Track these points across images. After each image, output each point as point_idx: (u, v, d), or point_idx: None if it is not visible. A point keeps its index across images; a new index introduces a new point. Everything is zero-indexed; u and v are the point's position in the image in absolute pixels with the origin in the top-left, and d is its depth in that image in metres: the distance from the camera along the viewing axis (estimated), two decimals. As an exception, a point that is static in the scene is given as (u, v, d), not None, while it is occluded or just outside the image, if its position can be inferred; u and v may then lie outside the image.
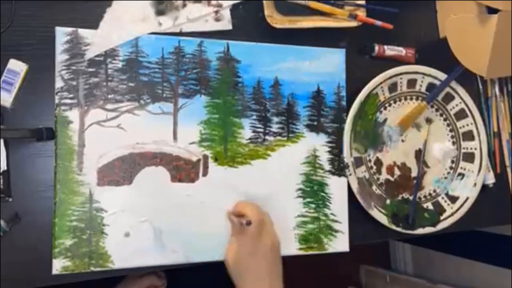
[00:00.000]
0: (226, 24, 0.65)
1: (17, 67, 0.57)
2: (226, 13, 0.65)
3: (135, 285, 0.82)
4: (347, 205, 0.70)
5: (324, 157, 0.69)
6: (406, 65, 0.74)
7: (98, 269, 0.58)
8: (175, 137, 0.63)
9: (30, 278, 0.57)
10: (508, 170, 0.83)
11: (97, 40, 0.59)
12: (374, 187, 0.73)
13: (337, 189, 0.70)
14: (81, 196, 0.58)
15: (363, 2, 0.71)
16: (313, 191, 0.69)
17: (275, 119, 0.68)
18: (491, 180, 0.80)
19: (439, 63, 0.76)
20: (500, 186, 0.82)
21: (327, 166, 0.69)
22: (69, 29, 0.58)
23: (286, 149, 0.68)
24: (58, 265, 0.57)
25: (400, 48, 0.75)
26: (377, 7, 0.71)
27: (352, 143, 0.71)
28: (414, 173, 0.76)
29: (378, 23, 0.70)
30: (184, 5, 0.62)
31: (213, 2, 0.64)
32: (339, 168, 0.70)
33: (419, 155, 0.76)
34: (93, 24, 0.60)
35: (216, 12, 0.64)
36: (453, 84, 0.76)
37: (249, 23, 0.68)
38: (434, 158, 0.77)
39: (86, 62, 0.59)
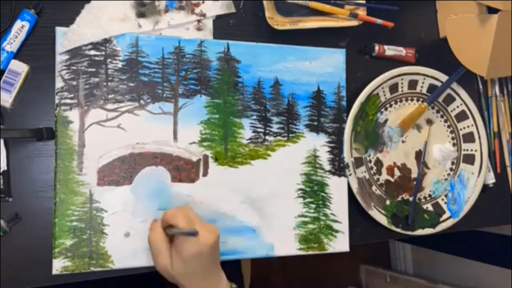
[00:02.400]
0: (207, 34, 0.65)
1: (18, 67, 0.57)
2: (209, 23, 0.65)
3: None
4: (347, 205, 0.70)
5: (324, 157, 0.69)
6: (406, 65, 0.74)
7: (98, 269, 0.58)
8: (175, 137, 0.63)
9: (30, 278, 0.57)
10: (508, 170, 0.83)
11: (71, 35, 0.58)
12: (374, 188, 0.73)
13: (337, 189, 0.70)
14: (81, 196, 0.58)
15: (363, 1, 0.71)
16: (313, 191, 0.69)
17: (275, 119, 0.68)
18: (491, 180, 0.81)
19: (439, 63, 0.76)
20: (500, 186, 0.82)
21: (327, 166, 0.69)
22: (69, 29, 0.58)
23: (286, 149, 0.68)
24: (58, 265, 0.57)
25: (400, 48, 0.75)
26: (377, 5, 0.71)
27: (352, 143, 0.71)
28: (414, 174, 0.76)
29: (379, 21, 0.70)
30: (167, 10, 0.62)
31: (197, 11, 0.63)
32: (339, 168, 0.70)
33: (420, 156, 0.76)
34: (93, 24, 0.60)
35: (199, 21, 0.64)
36: (454, 85, 0.76)
37: (249, 23, 0.68)
38: (434, 160, 0.77)
39: (86, 62, 0.59)
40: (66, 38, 0.58)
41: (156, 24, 0.62)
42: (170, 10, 0.63)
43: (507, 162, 0.83)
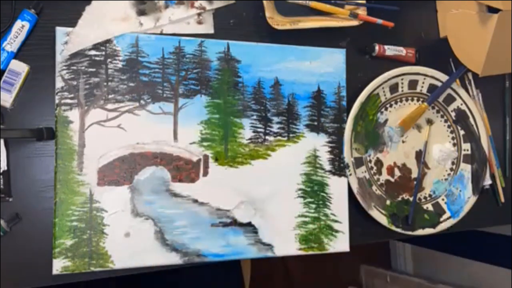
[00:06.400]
0: (208, 27, 0.65)
1: (19, 67, 0.57)
2: (209, 17, 0.65)
3: None
4: (347, 205, 0.70)
5: (324, 157, 0.69)
6: (406, 65, 0.74)
7: (98, 269, 0.58)
8: (175, 137, 0.63)
9: (30, 278, 0.57)
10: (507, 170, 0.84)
11: (74, 38, 0.58)
12: (374, 188, 0.73)
13: (337, 189, 0.70)
14: (81, 196, 0.58)
15: (363, 1, 0.71)
16: (314, 191, 0.69)
17: (276, 119, 0.68)
18: (490, 180, 0.80)
19: (439, 63, 0.76)
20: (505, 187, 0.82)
21: (328, 166, 0.69)
22: (69, 29, 0.58)
23: (286, 149, 0.68)
24: (58, 265, 0.57)
25: (401, 48, 0.75)
26: (377, 5, 0.71)
27: (352, 143, 0.71)
28: (414, 174, 0.76)
29: (379, 21, 0.70)
30: (167, 6, 0.62)
31: (196, 5, 0.63)
32: (339, 168, 0.70)
33: (420, 156, 0.76)
34: (94, 24, 0.60)
35: (199, 15, 0.64)
36: (454, 85, 0.76)
37: (249, 23, 0.68)
38: (435, 160, 0.77)
39: (87, 62, 0.59)
40: (70, 42, 0.58)
41: (157, 21, 0.62)
42: (170, 5, 0.62)
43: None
